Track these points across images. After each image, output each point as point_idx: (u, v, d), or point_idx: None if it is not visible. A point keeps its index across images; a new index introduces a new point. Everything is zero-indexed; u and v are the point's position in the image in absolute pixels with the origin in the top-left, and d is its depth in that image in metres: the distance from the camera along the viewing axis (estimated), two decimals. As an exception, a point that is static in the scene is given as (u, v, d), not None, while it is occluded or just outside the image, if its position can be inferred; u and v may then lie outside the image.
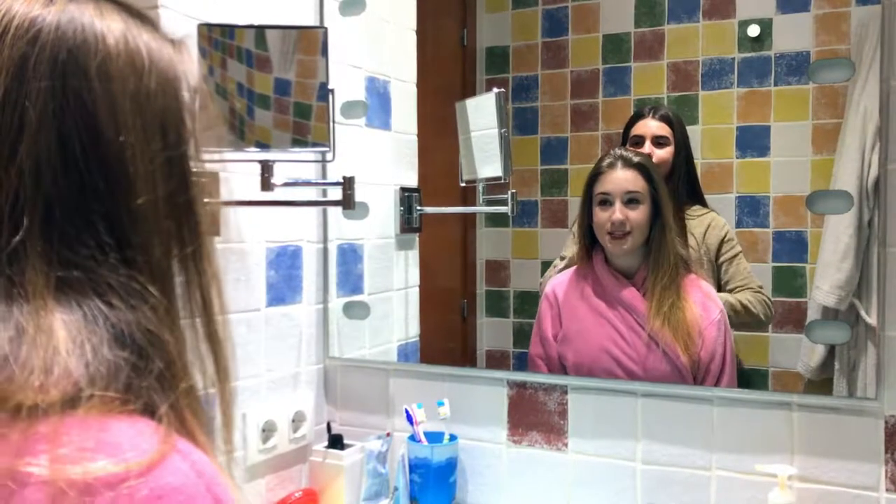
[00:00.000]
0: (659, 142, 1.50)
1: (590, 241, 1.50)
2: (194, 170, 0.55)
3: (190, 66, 0.56)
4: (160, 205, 0.53)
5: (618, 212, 1.44)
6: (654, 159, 1.49)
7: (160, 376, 0.49)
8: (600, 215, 1.46)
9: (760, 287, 1.43)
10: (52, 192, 0.49)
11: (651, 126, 1.52)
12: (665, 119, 1.51)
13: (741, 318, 1.44)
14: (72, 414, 0.45)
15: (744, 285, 1.45)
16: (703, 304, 1.42)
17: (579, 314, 1.51)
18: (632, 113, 1.56)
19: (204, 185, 0.56)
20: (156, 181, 0.52)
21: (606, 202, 1.46)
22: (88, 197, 0.50)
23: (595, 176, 1.48)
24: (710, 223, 1.48)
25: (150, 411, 0.49)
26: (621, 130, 1.56)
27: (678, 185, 1.49)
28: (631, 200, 1.44)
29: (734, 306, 1.44)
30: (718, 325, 1.41)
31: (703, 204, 1.49)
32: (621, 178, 1.45)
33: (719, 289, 1.46)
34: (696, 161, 1.50)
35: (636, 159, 1.47)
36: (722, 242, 1.46)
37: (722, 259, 1.46)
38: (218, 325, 0.56)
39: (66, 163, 0.49)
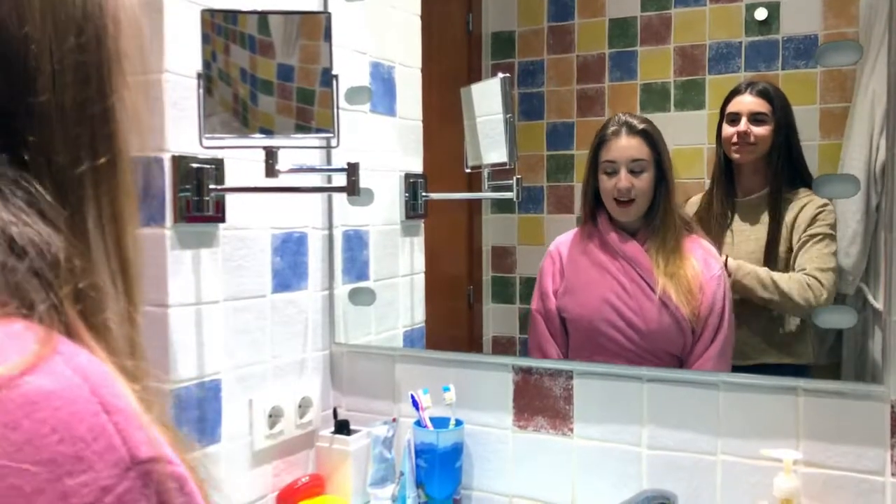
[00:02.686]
0: (756, 119, 1.40)
1: (594, 203, 1.51)
2: (115, 81, 0.53)
3: None
4: (68, 109, 0.50)
5: (623, 179, 1.45)
6: (752, 137, 1.40)
7: (39, 276, 0.46)
8: (606, 182, 1.48)
9: (823, 272, 1.31)
10: None
11: (747, 102, 1.42)
12: (763, 94, 1.41)
13: (773, 298, 1.35)
14: None
15: (805, 269, 1.33)
16: (705, 261, 1.44)
17: (582, 267, 1.53)
18: (733, 92, 1.43)
19: (127, 100, 0.53)
20: (64, 83, 0.49)
21: (612, 170, 1.47)
22: None
23: (600, 143, 1.49)
24: (806, 203, 1.36)
25: (29, 314, 0.45)
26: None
27: (778, 167, 1.39)
28: (636, 168, 1.45)
29: (763, 281, 1.36)
30: (719, 280, 1.42)
31: (810, 187, 1.35)
32: (625, 146, 1.46)
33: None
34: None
35: (640, 126, 1.47)
36: (812, 221, 1.35)
37: (802, 238, 1.35)
38: (129, 239, 0.53)
39: None
